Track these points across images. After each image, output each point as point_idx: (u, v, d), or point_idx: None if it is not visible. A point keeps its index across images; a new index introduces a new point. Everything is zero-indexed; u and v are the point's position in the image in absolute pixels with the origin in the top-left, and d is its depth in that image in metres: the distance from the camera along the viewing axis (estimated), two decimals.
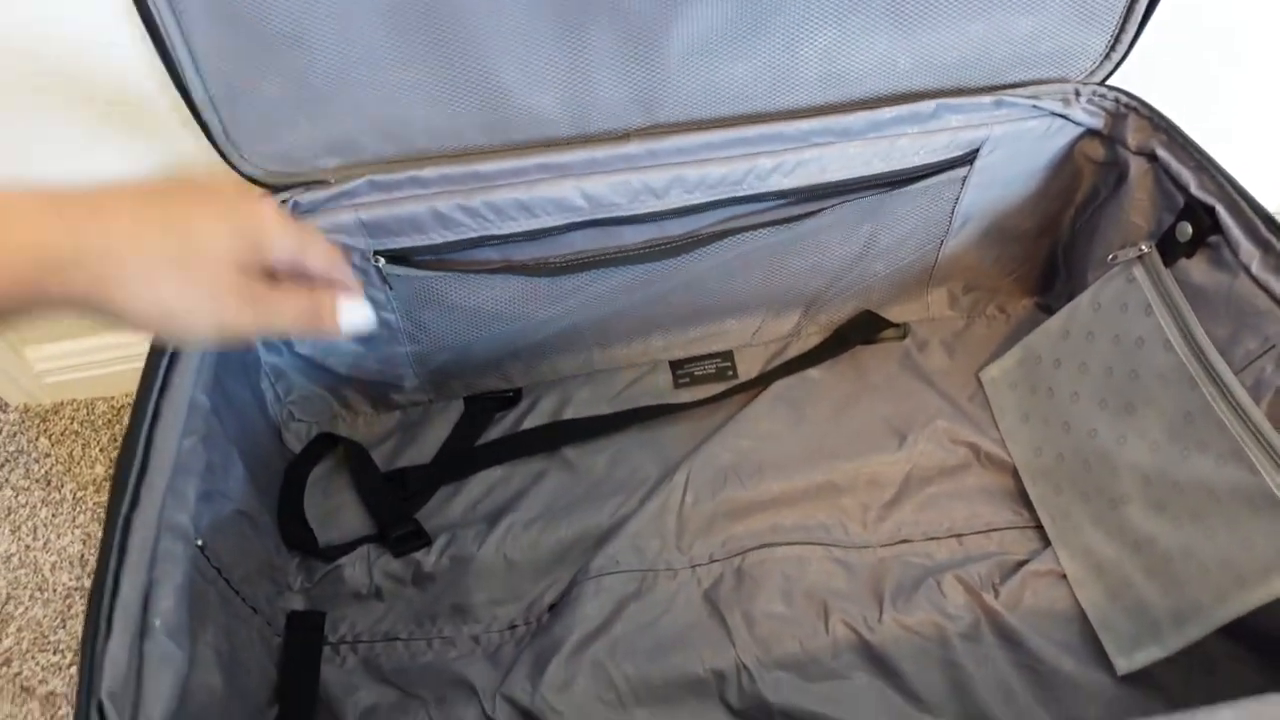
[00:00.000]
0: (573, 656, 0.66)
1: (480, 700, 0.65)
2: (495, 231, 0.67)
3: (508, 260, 0.70)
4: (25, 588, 0.78)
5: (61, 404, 0.91)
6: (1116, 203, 0.71)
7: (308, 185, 0.66)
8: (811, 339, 0.85)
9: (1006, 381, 0.77)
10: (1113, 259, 0.67)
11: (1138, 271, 0.65)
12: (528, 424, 0.81)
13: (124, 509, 0.46)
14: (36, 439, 0.88)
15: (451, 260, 0.70)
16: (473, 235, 0.67)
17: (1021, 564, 0.69)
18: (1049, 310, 0.84)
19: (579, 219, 0.67)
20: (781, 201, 0.71)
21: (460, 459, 0.79)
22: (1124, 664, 0.63)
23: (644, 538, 0.72)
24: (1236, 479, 0.57)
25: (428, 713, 0.64)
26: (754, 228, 0.71)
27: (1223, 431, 0.58)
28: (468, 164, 0.65)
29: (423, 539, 0.74)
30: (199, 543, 0.54)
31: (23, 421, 0.89)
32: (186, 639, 0.46)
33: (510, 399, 0.83)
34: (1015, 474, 0.74)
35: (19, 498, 0.83)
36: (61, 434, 0.89)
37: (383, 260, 0.68)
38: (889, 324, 0.85)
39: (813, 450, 0.77)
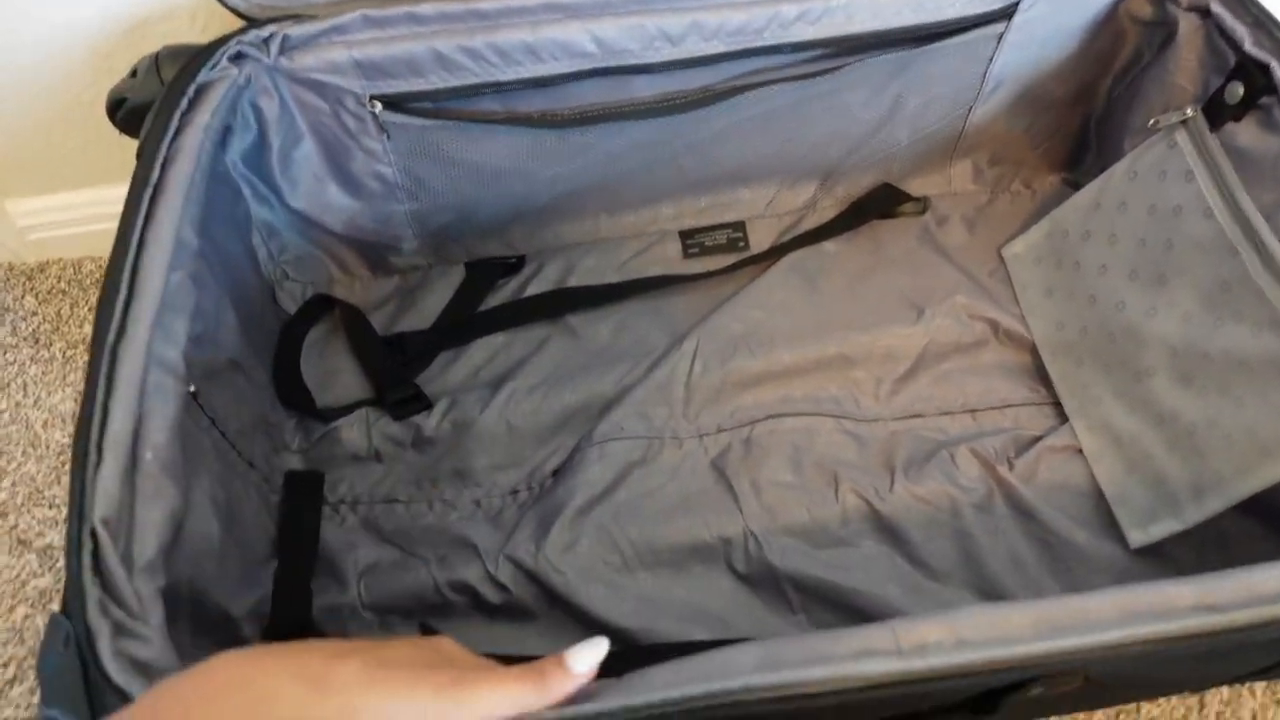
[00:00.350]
0: (576, 519, 0.65)
1: (483, 560, 0.64)
2: (499, 77, 0.63)
3: (511, 111, 0.66)
4: (17, 444, 0.76)
5: (47, 263, 0.88)
6: (1161, 66, 0.66)
7: (296, 19, 0.61)
8: (827, 212, 0.82)
9: (1031, 256, 0.74)
10: (1154, 124, 0.63)
11: (1180, 137, 0.62)
12: (530, 291, 0.78)
13: (110, 339, 0.43)
14: (22, 297, 0.85)
15: (452, 109, 0.66)
16: (475, 80, 0.63)
17: (1037, 439, 0.68)
18: (1076, 187, 0.80)
19: (588, 66, 0.63)
20: (804, 55, 0.66)
21: (461, 325, 0.77)
22: (1138, 537, 0.62)
23: (650, 406, 0.71)
24: (1273, 347, 0.54)
25: (430, 571, 0.63)
26: (773, 83, 0.67)
27: (1262, 300, 0.55)
28: (468, 1, 0.61)
29: (423, 402, 0.72)
30: (191, 389, 0.52)
31: (7, 280, 0.86)
32: (181, 477, 0.44)
33: (513, 265, 0.80)
34: (1034, 351, 0.72)
35: (6, 355, 0.81)
36: (49, 293, 0.85)
37: (379, 106, 0.64)
38: (908, 197, 0.81)
39: (826, 322, 0.74)
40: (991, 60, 0.70)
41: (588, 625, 0.62)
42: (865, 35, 0.65)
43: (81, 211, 0.86)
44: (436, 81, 0.63)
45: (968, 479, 0.66)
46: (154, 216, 0.49)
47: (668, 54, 0.63)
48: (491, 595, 0.62)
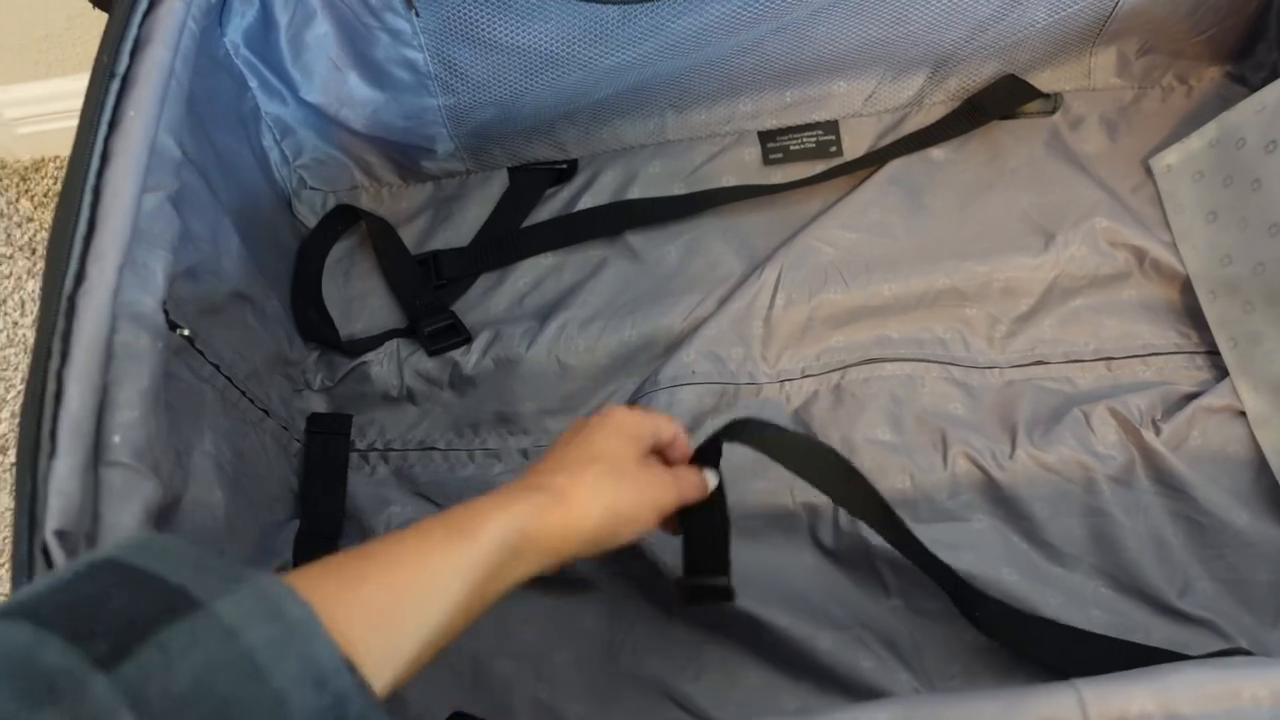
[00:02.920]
0: None
1: None
2: None
3: None
4: (16, 370, 0.68)
5: (43, 160, 0.78)
6: None
7: None
8: (936, 109, 0.69)
9: (1189, 170, 0.61)
10: None
11: None
12: (584, 203, 0.67)
13: (66, 286, 0.34)
14: (16, 200, 0.76)
15: None
16: None
17: (1189, 397, 0.57)
18: (1244, 83, 0.67)
19: None
20: None
21: (504, 242, 0.66)
22: None
23: (724, 344, 0.60)
24: None
25: None
26: None
27: None
28: None
29: (461, 334, 0.63)
30: (185, 332, 0.43)
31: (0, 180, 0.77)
32: (163, 458, 0.35)
33: (564, 172, 0.68)
34: (1187, 287, 0.60)
35: (1, 267, 0.72)
36: (45, 195, 0.76)
37: None
38: (1037, 93, 0.67)
39: (933, 248, 0.63)
40: None
41: (654, 598, 0.55)
42: None
43: (75, 102, 0.75)
44: None
45: (1105, 445, 0.55)
46: (120, 120, 0.39)
47: None
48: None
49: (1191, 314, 0.60)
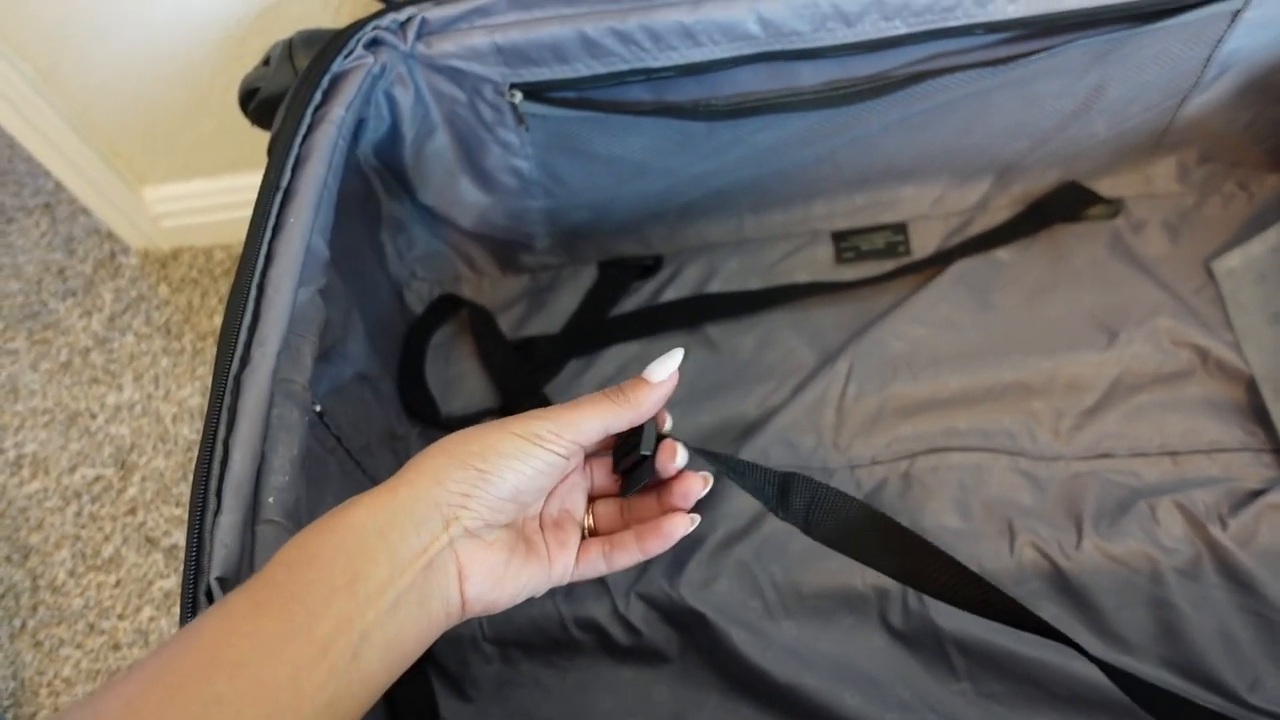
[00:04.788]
0: (716, 555, 0.60)
1: (612, 595, 0.59)
2: (650, 63, 0.57)
3: (661, 101, 0.60)
4: (148, 438, 0.76)
5: (180, 250, 0.87)
6: None
7: (437, 0, 0.56)
8: (1001, 213, 0.73)
9: (1252, 274, 0.64)
10: None
11: None
12: (667, 295, 0.73)
13: (233, 367, 0.40)
14: (156, 285, 0.85)
15: (597, 99, 0.60)
16: (623, 67, 0.57)
17: (1256, 494, 0.58)
18: None
19: (750, 50, 0.56)
20: (998, 37, 0.57)
21: (592, 330, 0.72)
22: None
23: (797, 432, 0.64)
24: None
25: (555, 604, 0.59)
26: (957, 69, 0.58)
27: None
28: None
29: None
30: (317, 408, 0.49)
31: (142, 267, 0.86)
32: (302, 519, 0.41)
33: (649, 267, 0.74)
34: (1251, 386, 0.62)
35: (140, 344, 0.81)
36: (180, 281, 0.85)
37: (519, 95, 0.59)
38: (1099, 198, 0.71)
39: (999, 343, 0.66)
40: (1220, 42, 0.59)
41: (725, 673, 0.57)
42: (1076, 13, 0.55)
43: (215, 199, 0.85)
44: (582, 69, 0.57)
45: (1171, 538, 0.57)
46: (283, 226, 0.46)
47: (841, 36, 0.56)
48: (621, 636, 0.58)
49: (1257, 412, 0.61)
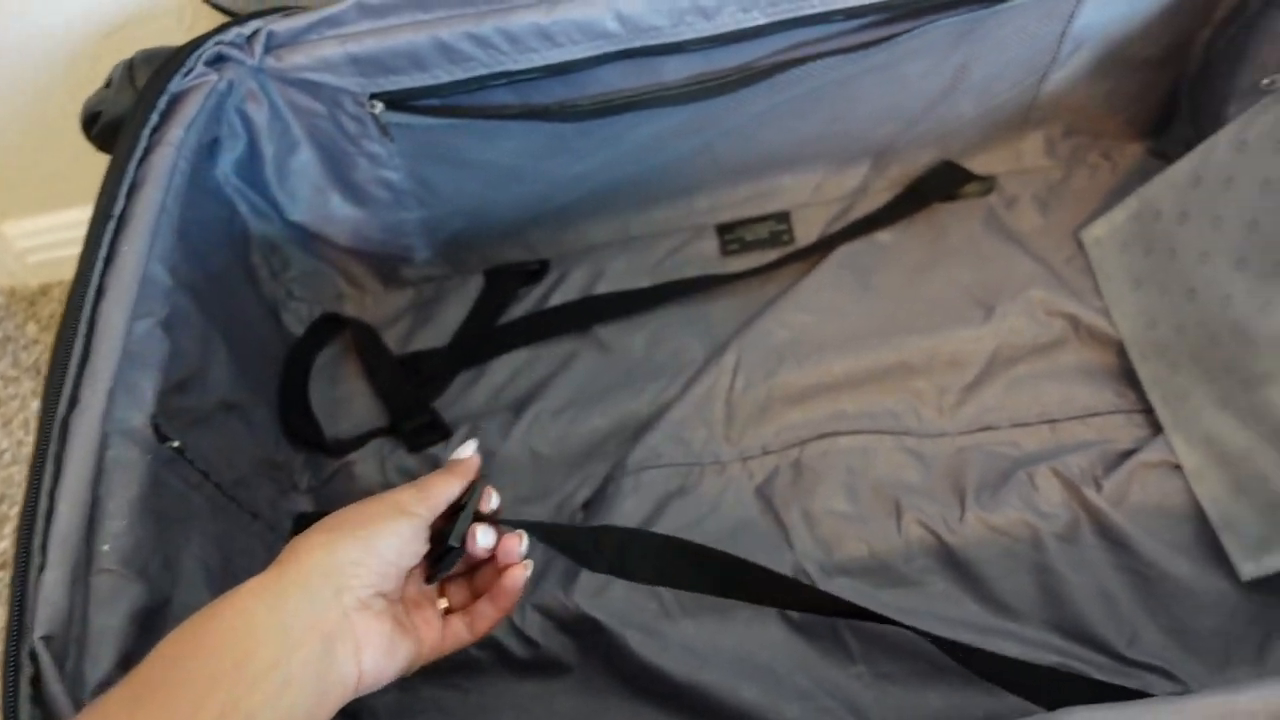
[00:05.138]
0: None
1: None
2: (511, 66, 0.56)
3: (527, 104, 0.59)
4: (19, 487, 0.72)
5: (49, 286, 0.84)
6: (1274, 13, 0.57)
7: (284, 11, 0.55)
8: (881, 196, 0.74)
9: (1115, 241, 0.66)
10: (1269, 83, 0.54)
11: None
12: (555, 300, 0.72)
13: (60, 410, 0.38)
14: (24, 325, 0.81)
15: (461, 105, 0.59)
16: (484, 71, 0.56)
17: (1127, 454, 0.59)
18: (1164, 157, 0.71)
19: (611, 48, 0.56)
20: (857, 23, 0.58)
21: (480, 341, 0.71)
22: (1250, 569, 0.54)
23: (688, 427, 0.64)
24: None
25: None
26: (821, 56, 0.59)
27: None
28: None
29: (440, 431, 0.66)
30: (175, 444, 0.47)
31: (9, 306, 0.82)
32: (151, 562, 0.39)
33: (535, 272, 0.73)
34: (1120, 350, 0.64)
35: (8, 389, 0.77)
36: (50, 318, 0.81)
37: (380, 106, 0.57)
38: (973, 176, 0.72)
39: (882, 325, 0.66)
40: (1072, 18, 0.61)
41: (625, 677, 0.57)
42: None
43: (81, 230, 0.81)
44: (442, 75, 0.56)
45: (1049, 504, 0.58)
46: (116, 256, 0.43)
47: (701, 29, 0.56)
48: (519, 650, 0.57)
49: (1127, 375, 0.63)
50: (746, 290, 0.70)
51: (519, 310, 0.72)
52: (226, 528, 0.53)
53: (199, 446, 0.51)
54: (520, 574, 0.41)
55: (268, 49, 0.54)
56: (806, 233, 0.73)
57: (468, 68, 0.55)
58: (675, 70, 0.58)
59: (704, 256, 0.72)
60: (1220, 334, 0.57)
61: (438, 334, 0.72)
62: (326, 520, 0.36)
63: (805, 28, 0.57)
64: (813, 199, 0.74)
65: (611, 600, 0.57)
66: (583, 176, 0.66)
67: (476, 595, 0.42)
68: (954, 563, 0.57)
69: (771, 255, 0.71)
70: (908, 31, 0.58)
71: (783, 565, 0.58)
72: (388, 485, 0.66)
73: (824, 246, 0.71)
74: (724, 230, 0.73)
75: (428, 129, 0.60)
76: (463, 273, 0.74)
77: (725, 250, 0.72)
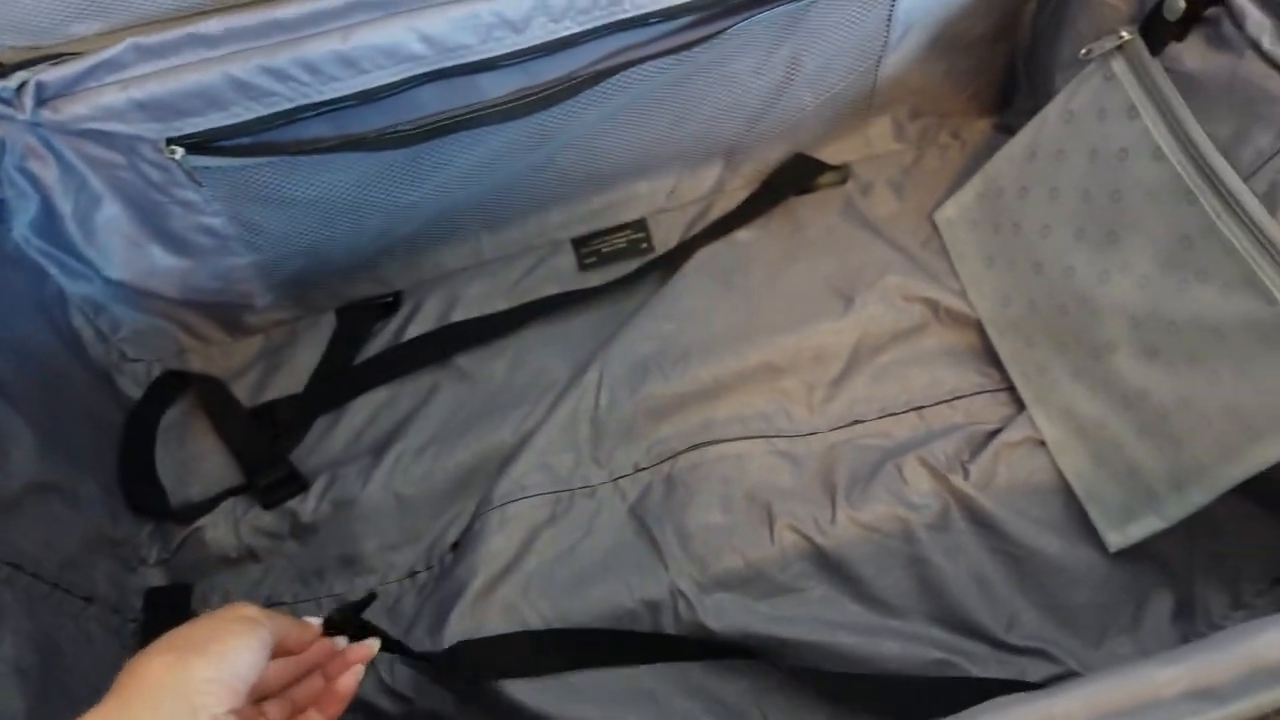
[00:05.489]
0: (479, 602, 0.57)
1: (376, 668, 0.55)
2: (316, 97, 0.53)
3: (345, 134, 0.56)
4: None
5: None
6: None
7: (54, 60, 0.51)
8: (738, 194, 0.72)
9: (965, 221, 0.65)
10: (1086, 53, 0.54)
11: (1117, 66, 0.53)
12: (411, 332, 0.69)
13: None
14: None
15: (274, 142, 0.55)
16: (288, 106, 0.53)
17: (993, 434, 0.59)
18: (1010, 131, 0.71)
19: (421, 70, 0.53)
20: (676, 24, 0.56)
21: (337, 383, 0.67)
22: (1116, 539, 0.54)
23: (554, 453, 0.62)
24: (1247, 310, 0.46)
25: None
26: (643, 60, 0.57)
27: (1230, 254, 0.47)
28: (262, 10, 0.50)
29: (298, 483, 0.63)
30: None
31: None
32: None
33: (389, 305, 0.70)
34: (981, 330, 0.64)
35: None
36: None
37: (180, 151, 0.53)
38: (826, 166, 0.72)
39: (745, 326, 0.65)
40: (895, 2, 0.60)
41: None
42: None
43: None
44: (243, 113, 0.52)
45: (918, 494, 0.57)
46: None
47: (512, 44, 0.53)
48: (392, 708, 0.54)
49: (989, 354, 0.63)
50: (608, 304, 0.69)
51: (375, 347, 0.69)
52: (49, 620, 0.49)
53: (7, 536, 0.47)
54: (354, 677, 0.40)
55: (40, 101, 0.50)
56: (665, 239, 0.71)
57: (270, 103, 0.52)
58: (495, 87, 0.56)
59: (561, 273, 0.70)
60: (1067, 305, 0.57)
61: (292, 380, 0.68)
62: (167, 639, 0.34)
63: (623, 33, 0.55)
64: (668, 204, 0.72)
65: None
66: (420, 204, 0.64)
67: (298, 710, 0.39)
68: (829, 565, 0.56)
69: (631, 265, 0.70)
70: (726, 29, 0.57)
71: (659, 586, 0.56)
72: (244, 548, 0.62)
73: (683, 251, 0.69)
74: (580, 244, 0.71)
75: (241, 170, 0.56)
76: (313, 312, 0.70)
77: (583, 265, 0.70)
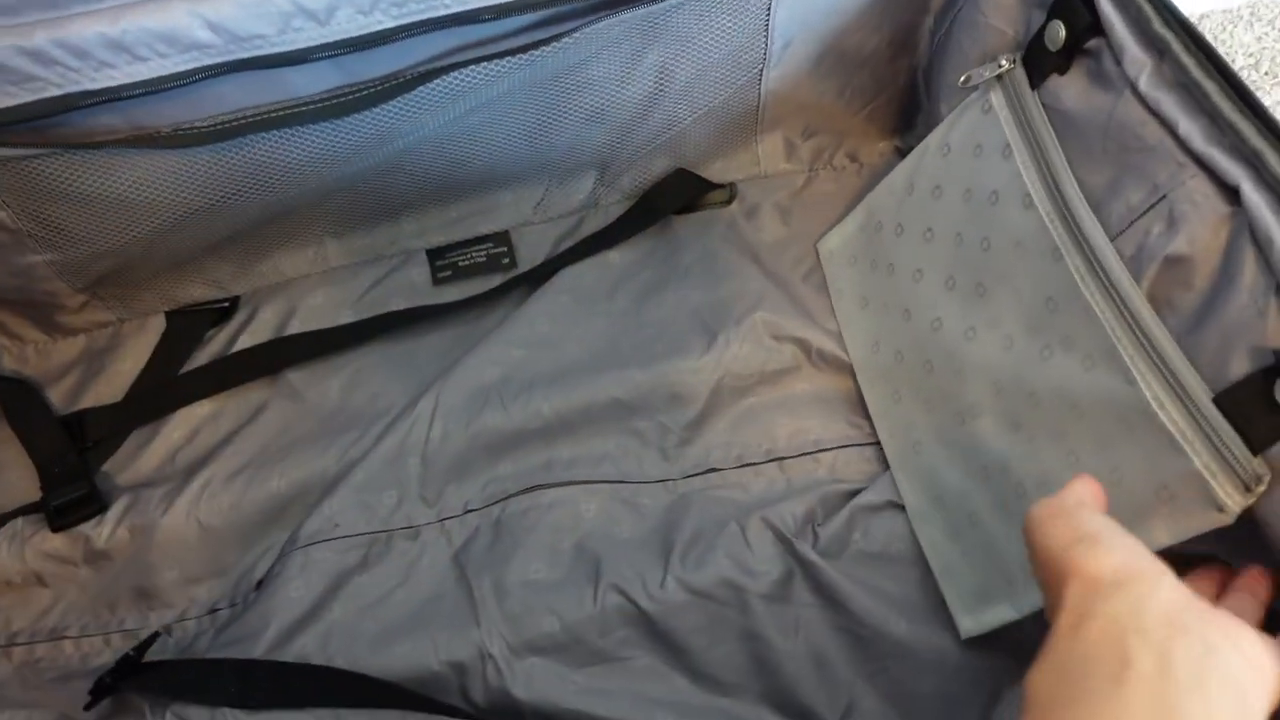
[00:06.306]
0: (273, 653, 0.51)
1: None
2: (89, 85, 0.46)
3: (136, 128, 0.50)
4: None
5: None
6: (974, 4, 0.51)
7: None
8: (614, 209, 0.67)
9: (845, 254, 0.60)
10: (965, 81, 0.48)
11: (995, 98, 0.47)
12: (244, 342, 0.63)
13: None
14: None
15: (54, 131, 0.49)
16: (57, 92, 0.46)
17: (851, 495, 0.54)
18: None
19: (211, 60, 0.47)
20: (514, 24, 0.50)
21: (158, 393, 0.61)
22: (969, 624, 0.49)
23: (374, 490, 0.56)
24: (1107, 388, 0.41)
25: None
26: (477, 61, 0.51)
27: (1091, 322, 0.41)
28: None
29: (96, 504, 0.57)
30: None
31: None
32: None
33: (225, 310, 0.64)
34: (855, 376, 0.58)
35: None
36: None
37: None
38: (710, 185, 0.66)
39: (599, 357, 0.59)
40: (770, 11, 0.54)
41: None
42: None
43: None
44: (3, 98, 0.46)
45: (761, 560, 0.52)
46: None
47: (316, 36, 0.47)
48: None
49: (861, 403, 0.57)
50: (461, 324, 0.63)
51: (205, 356, 0.63)
52: None
53: None
54: None
55: None
56: (531, 255, 0.65)
57: (33, 88, 0.46)
58: (306, 83, 0.50)
59: (414, 286, 0.64)
60: (933, 361, 0.51)
61: (112, 388, 0.62)
62: None
63: (452, 29, 0.49)
64: (535, 216, 0.66)
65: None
66: (243, 204, 0.57)
67: None
68: (656, 633, 0.51)
69: (491, 282, 0.64)
70: (573, 31, 0.51)
71: (468, 646, 0.51)
72: (29, 573, 0.56)
73: (547, 270, 0.63)
74: (435, 255, 0.65)
75: (23, 161, 0.50)
76: (139, 315, 0.64)
77: (437, 279, 0.64)
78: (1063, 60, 0.45)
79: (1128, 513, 0.40)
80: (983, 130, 0.48)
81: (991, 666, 0.49)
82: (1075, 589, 0.29)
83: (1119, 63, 0.41)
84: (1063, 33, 0.44)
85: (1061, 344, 0.43)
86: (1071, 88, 0.44)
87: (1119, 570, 0.29)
